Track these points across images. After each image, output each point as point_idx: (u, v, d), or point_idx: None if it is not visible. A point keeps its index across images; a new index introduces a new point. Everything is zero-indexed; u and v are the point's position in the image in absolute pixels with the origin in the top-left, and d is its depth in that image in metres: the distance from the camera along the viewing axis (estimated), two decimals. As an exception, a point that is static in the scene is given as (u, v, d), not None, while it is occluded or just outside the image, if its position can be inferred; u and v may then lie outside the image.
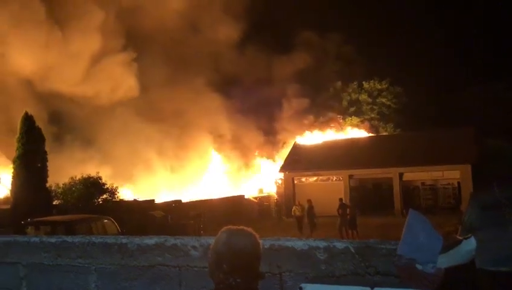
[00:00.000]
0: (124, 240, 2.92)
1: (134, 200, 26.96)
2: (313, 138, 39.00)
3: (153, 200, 28.11)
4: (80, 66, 36.30)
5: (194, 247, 2.76)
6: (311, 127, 41.74)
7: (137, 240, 2.93)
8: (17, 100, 31.35)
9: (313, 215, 20.30)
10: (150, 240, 2.90)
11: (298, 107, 43.14)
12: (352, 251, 2.52)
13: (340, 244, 2.55)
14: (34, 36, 34.38)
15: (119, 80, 38.18)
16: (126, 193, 28.06)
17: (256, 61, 43.26)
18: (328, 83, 44.75)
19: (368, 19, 42.87)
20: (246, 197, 34.55)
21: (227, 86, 43.11)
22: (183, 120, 40.14)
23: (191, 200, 29.67)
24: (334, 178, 31.08)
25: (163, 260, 2.81)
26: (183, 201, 28.43)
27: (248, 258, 1.99)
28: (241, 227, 2.14)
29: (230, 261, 1.98)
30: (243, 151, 42.23)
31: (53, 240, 3.08)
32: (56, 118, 35.02)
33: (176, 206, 26.99)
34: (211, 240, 2.76)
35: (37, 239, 3.14)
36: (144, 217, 22.73)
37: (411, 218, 2.07)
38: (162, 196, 32.30)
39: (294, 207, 22.79)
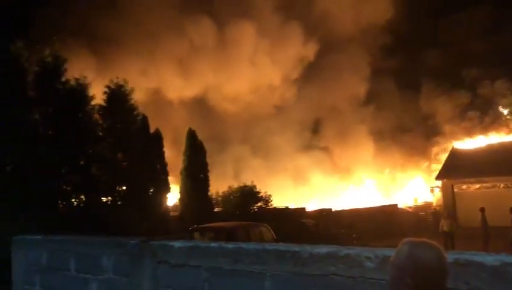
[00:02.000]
0: (297, 248, 2.97)
1: (286, 207, 27.69)
2: (474, 141, 35.65)
3: (304, 208, 28.52)
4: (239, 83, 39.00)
5: (368, 258, 2.68)
6: (472, 129, 38.18)
7: (309, 248, 2.96)
8: (182, 117, 34.89)
9: (487, 226, 18.20)
10: (322, 249, 2.90)
11: (455, 109, 39.89)
12: (557, 269, 2.19)
13: (540, 261, 2.23)
14: (205, 60, 38.04)
15: (276, 90, 39.86)
16: (278, 200, 28.94)
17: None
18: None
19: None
20: (399, 206, 32.99)
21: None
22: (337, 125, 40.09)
23: (342, 209, 29.36)
24: (502, 185, 27.87)
25: (337, 269, 2.78)
26: (333, 210, 28.30)
27: (434, 273, 1.86)
28: (424, 239, 2.01)
29: (415, 276, 1.86)
30: (393, 157, 40.49)
31: (230, 246, 3.27)
32: (215, 130, 37.92)
33: (325, 214, 27.00)
34: (387, 252, 2.66)
35: (216, 245, 3.37)
36: (296, 225, 23.20)
37: None
38: (311, 204, 32.66)
39: (442, 221, 18.92)
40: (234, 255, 3.22)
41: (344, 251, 2.80)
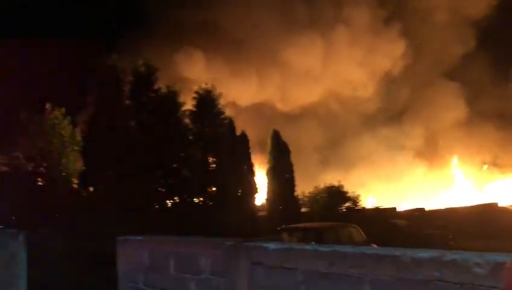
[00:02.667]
0: (397, 252, 2.84)
1: (376, 208, 26.91)
2: None
3: (394, 208, 27.54)
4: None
5: (477, 264, 2.49)
6: None
7: (410, 252, 2.82)
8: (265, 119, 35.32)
9: None
10: (425, 254, 2.74)
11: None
12: None
13: None
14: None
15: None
16: (369, 200, 28.20)
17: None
18: None
19: None
20: (500, 205, 30.57)
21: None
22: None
23: (435, 208, 27.90)
24: None
25: (442, 275, 2.62)
26: (426, 209, 27.00)
27: None
28: None
29: None
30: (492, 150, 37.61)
31: (326, 249, 3.22)
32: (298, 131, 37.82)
33: (418, 215, 25.81)
34: (498, 257, 2.46)
35: (311, 247, 3.33)
36: (386, 225, 22.41)
37: None
38: (403, 203, 31.39)
39: None
40: (330, 257, 3.16)
41: (449, 255, 2.63)
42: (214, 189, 20.43)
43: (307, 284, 3.34)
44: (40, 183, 19.62)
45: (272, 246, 3.65)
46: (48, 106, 19.93)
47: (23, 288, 10.69)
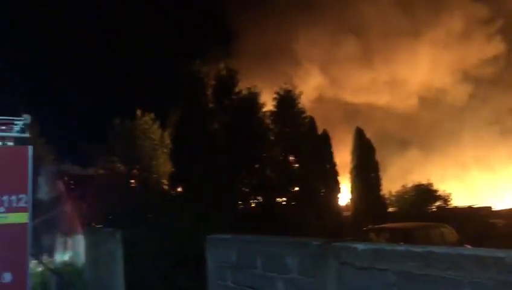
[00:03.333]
0: (500, 254, 2.64)
1: (469, 207, 25.28)
2: None
3: (490, 207, 25.72)
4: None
5: None
6: None
7: (514, 254, 2.61)
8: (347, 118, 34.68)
9: None
10: (532, 256, 2.53)
11: None
12: None
13: None
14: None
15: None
16: (460, 199, 26.55)
17: None
18: None
19: None
20: None
21: None
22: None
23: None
24: None
25: (554, 280, 2.40)
26: (529, 208, 24.86)
27: None
28: None
29: None
30: None
31: (419, 249, 3.07)
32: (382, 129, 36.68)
33: (520, 213, 23.86)
34: None
35: (403, 248, 3.20)
36: (481, 225, 20.99)
37: None
38: (500, 202, 29.17)
39: None
40: (424, 259, 3.01)
41: (562, 258, 2.39)
42: (296, 189, 20.43)
43: (400, 286, 3.21)
44: (133, 185, 20.89)
45: (361, 246, 3.56)
46: (138, 112, 21.19)
47: (121, 283, 11.43)
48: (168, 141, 20.89)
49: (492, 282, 2.64)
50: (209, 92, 20.15)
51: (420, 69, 37.23)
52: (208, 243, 6.08)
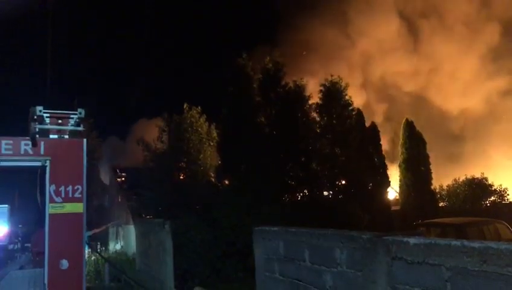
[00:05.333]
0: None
1: (526, 202, 24.07)
2: None
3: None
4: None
5: None
6: None
7: None
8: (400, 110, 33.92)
9: None
10: None
11: None
12: None
13: None
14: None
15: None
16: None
17: None
18: None
19: None
20: None
21: None
22: None
23: None
24: None
25: None
26: None
27: None
28: None
29: None
30: None
31: (476, 245, 2.96)
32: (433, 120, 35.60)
33: None
34: None
35: (458, 243, 3.09)
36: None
37: None
38: None
39: None
40: (481, 255, 2.90)
41: None
42: (343, 182, 20.19)
43: (454, 282, 3.11)
44: (181, 178, 21.35)
45: (413, 240, 3.47)
46: (185, 105, 21.58)
47: (170, 271, 11.73)
48: (215, 134, 21.16)
49: (556, 280, 2.51)
50: (256, 85, 20.21)
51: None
52: (255, 234, 6.13)
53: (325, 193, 20.57)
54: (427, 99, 36.98)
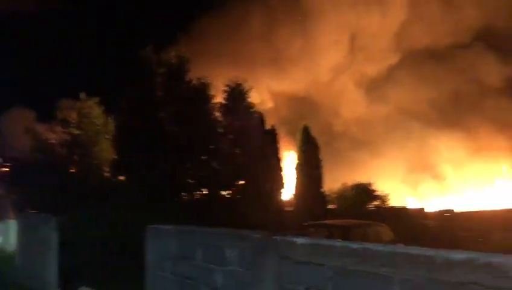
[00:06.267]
0: (430, 253, 2.78)
1: (404, 207, 26.43)
2: None
3: (423, 208, 27.02)
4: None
5: (515, 268, 2.40)
6: None
7: (443, 253, 2.75)
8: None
9: None
10: (459, 255, 2.67)
11: None
12: None
13: None
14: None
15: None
16: (395, 199, 27.70)
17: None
18: None
19: None
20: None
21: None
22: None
23: (466, 210, 27.16)
24: None
25: (477, 278, 2.55)
26: (455, 211, 26.33)
27: None
28: None
29: None
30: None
31: (356, 246, 3.17)
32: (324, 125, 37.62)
33: (449, 216, 25.23)
34: (538, 263, 2.37)
35: (340, 243, 3.29)
36: (414, 226, 22.00)
37: None
38: (434, 202, 30.77)
39: None
40: (360, 255, 3.12)
41: (485, 258, 2.55)
42: (241, 182, 20.52)
43: (335, 280, 3.30)
44: (73, 170, 20.15)
45: (300, 241, 3.63)
46: (82, 94, 20.43)
47: (54, 270, 10.99)
48: (112, 127, 20.29)
49: (421, 279, 2.77)
50: (160, 79, 19.76)
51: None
52: (149, 233, 5.98)
53: (224, 193, 20.74)
54: (324, 105, 38.92)
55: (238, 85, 20.75)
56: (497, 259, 2.51)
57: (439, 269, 2.71)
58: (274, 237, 3.92)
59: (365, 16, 38.45)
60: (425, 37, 38.53)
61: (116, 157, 19.63)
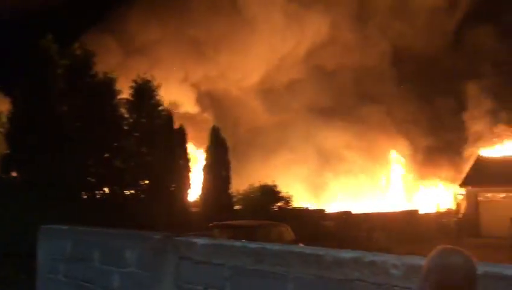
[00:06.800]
0: (321, 252, 2.95)
1: (306, 209, 27.52)
2: (500, 149, 34.95)
3: (324, 209, 28.38)
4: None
5: (394, 265, 2.64)
6: (499, 136, 37.43)
7: (333, 252, 2.93)
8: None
9: None
10: (347, 254, 2.87)
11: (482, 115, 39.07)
12: None
13: None
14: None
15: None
16: (299, 200, 28.79)
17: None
18: None
19: None
20: (420, 212, 32.51)
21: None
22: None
23: (362, 212, 29.06)
24: (529, 195, 27.12)
25: (361, 275, 2.75)
26: (353, 212, 28.05)
27: (460, 281, 1.83)
28: (457, 247, 1.98)
29: (439, 282, 1.85)
30: (422, 161, 39.95)
31: (254, 245, 3.27)
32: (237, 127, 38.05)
33: (346, 217, 26.79)
34: (414, 260, 2.61)
35: (239, 243, 3.37)
36: (315, 226, 23.06)
37: None
38: (332, 205, 32.48)
39: None
40: (257, 255, 3.21)
41: (369, 257, 2.76)
42: (146, 182, 20.03)
43: (234, 280, 3.37)
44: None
45: (200, 241, 3.65)
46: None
47: None
48: (4, 119, 18.69)
49: (312, 277, 2.93)
50: (61, 71, 18.60)
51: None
52: (42, 233, 5.62)
53: (127, 192, 20.08)
54: (233, 107, 39.34)
55: (147, 82, 20.22)
56: (379, 258, 2.73)
57: (328, 267, 2.89)
58: (175, 238, 3.90)
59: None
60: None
61: (8, 151, 18.10)
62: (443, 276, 1.83)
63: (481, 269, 2.30)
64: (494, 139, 37.06)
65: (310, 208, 27.88)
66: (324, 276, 2.90)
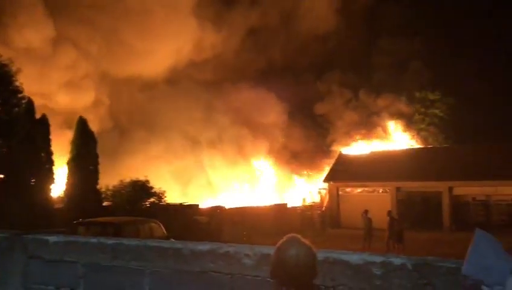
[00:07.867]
0: (179, 245, 2.97)
1: (180, 204, 27.34)
2: (359, 147, 38.54)
3: (197, 205, 28.49)
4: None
5: (247, 255, 2.76)
6: (358, 136, 41.34)
7: (191, 245, 2.97)
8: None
9: (371, 227, 19.87)
10: (204, 246, 2.93)
11: (346, 117, 42.78)
12: (410, 267, 2.45)
13: (397, 260, 2.48)
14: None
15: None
16: (174, 196, 28.52)
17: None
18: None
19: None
20: (289, 206, 34.40)
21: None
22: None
23: (235, 206, 29.82)
24: (381, 190, 30.37)
25: (216, 266, 2.83)
26: (226, 207, 28.64)
27: (301, 269, 1.96)
28: (298, 236, 2.11)
29: (283, 270, 1.97)
30: (290, 158, 42.23)
31: (110, 241, 3.17)
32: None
33: (219, 212, 27.24)
34: (265, 249, 2.76)
35: (95, 240, 3.24)
36: (189, 221, 23.09)
37: (478, 237, 1.98)
38: (206, 200, 32.79)
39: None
40: (113, 251, 3.12)
41: (224, 248, 2.85)
42: (1, 176, 18.16)
43: (88, 278, 3.23)
44: None
45: (52, 238, 3.43)
46: None
47: None
48: None
49: (170, 271, 2.94)
50: None
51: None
52: None
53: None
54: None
55: (3, 66, 18.29)
56: (233, 248, 2.83)
57: (186, 260, 2.92)
58: (24, 236, 3.60)
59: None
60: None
61: None
62: (287, 268, 1.95)
63: (322, 255, 2.52)
64: (356, 137, 40.96)
65: (183, 204, 27.75)
66: (181, 269, 2.92)
